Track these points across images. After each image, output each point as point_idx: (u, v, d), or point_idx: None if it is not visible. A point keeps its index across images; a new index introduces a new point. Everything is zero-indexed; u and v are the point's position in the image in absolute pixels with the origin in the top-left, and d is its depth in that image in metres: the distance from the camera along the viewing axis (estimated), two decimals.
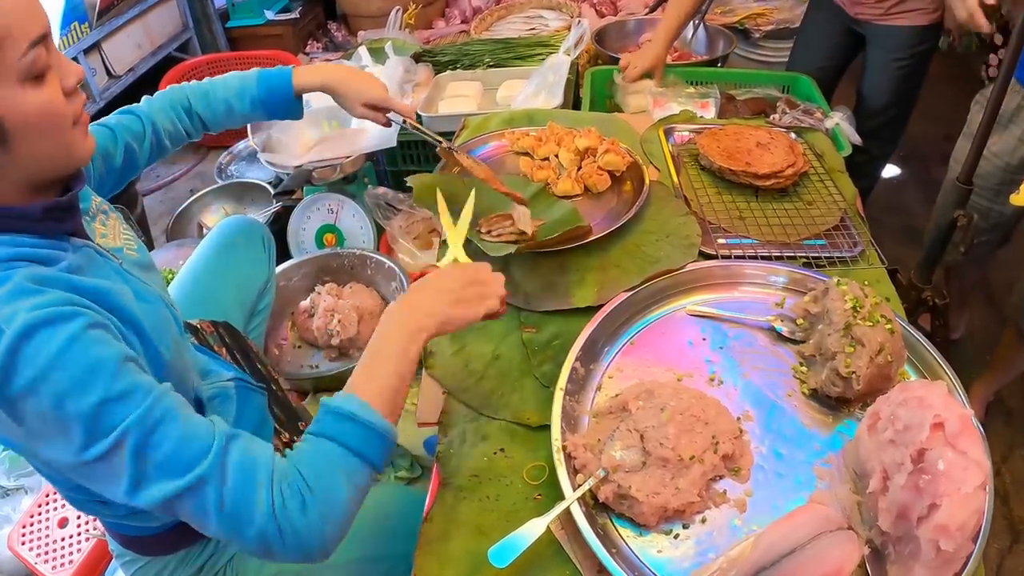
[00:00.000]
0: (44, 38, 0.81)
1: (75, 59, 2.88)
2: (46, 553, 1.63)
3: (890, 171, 3.30)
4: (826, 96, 2.26)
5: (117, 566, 1.22)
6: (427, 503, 1.01)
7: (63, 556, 1.63)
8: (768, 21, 3.15)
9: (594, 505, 0.93)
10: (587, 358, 1.10)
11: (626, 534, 0.91)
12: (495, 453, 1.05)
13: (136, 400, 0.76)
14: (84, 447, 0.75)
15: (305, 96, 1.41)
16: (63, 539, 1.64)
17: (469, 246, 1.29)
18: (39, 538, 1.65)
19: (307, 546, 0.79)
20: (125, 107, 1.29)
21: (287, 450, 0.84)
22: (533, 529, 0.86)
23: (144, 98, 1.33)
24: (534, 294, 1.25)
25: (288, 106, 1.40)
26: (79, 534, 1.64)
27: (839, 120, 2.13)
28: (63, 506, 1.69)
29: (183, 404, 0.82)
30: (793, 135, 1.74)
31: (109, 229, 1.02)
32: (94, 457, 0.75)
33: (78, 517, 1.67)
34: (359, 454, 0.83)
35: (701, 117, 1.84)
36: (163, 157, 1.33)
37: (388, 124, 1.48)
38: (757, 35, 3.15)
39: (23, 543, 1.64)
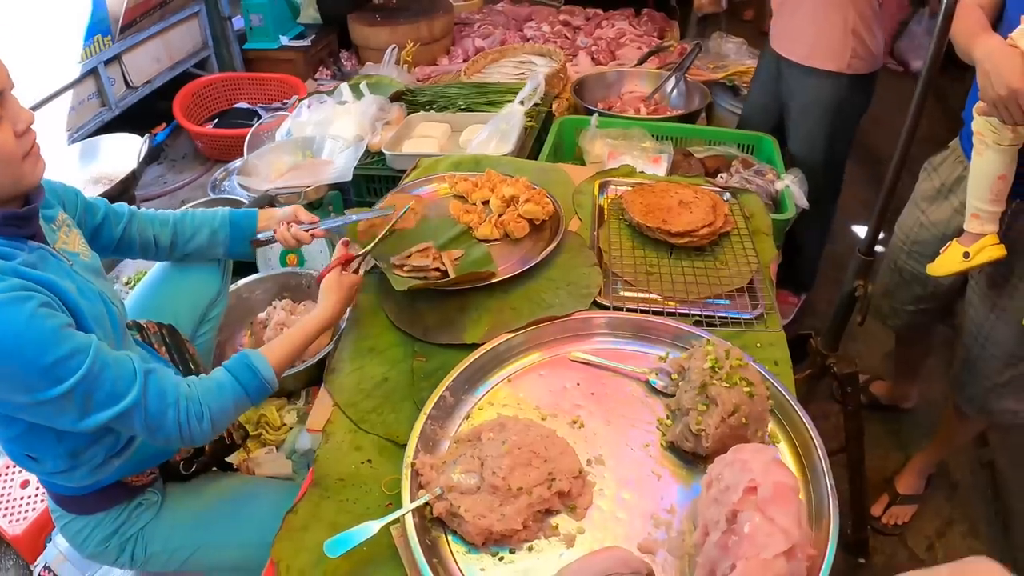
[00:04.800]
0: None
1: (95, 69, 3.08)
2: (5, 508, 1.83)
3: (861, 230, 3.34)
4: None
5: None
6: (296, 497, 1.12)
7: (20, 512, 1.82)
8: None
9: (431, 519, 1.03)
10: (459, 389, 1.20)
11: (457, 549, 1.00)
12: (363, 463, 1.16)
13: (80, 357, 1.02)
14: (42, 391, 1.01)
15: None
16: (23, 498, 1.85)
17: (377, 273, 1.42)
18: (1, 494, 1.84)
19: (196, 441, 1.17)
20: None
21: (196, 377, 1.19)
22: (367, 530, 0.98)
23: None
24: (433, 327, 1.36)
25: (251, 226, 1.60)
26: (37, 494, 1.84)
27: (789, 183, 2.20)
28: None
29: (110, 350, 1.09)
30: (728, 195, 1.80)
31: (71, 240, 1.26)
32: (48, 399, 1.01)
33: (39, 481, 1.83)
34: (250, 396, 1.22)
35: (642, 173, 1.92)
36: (130, 256, 1.56)
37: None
38: (744, 91, 3.25)
39: None
